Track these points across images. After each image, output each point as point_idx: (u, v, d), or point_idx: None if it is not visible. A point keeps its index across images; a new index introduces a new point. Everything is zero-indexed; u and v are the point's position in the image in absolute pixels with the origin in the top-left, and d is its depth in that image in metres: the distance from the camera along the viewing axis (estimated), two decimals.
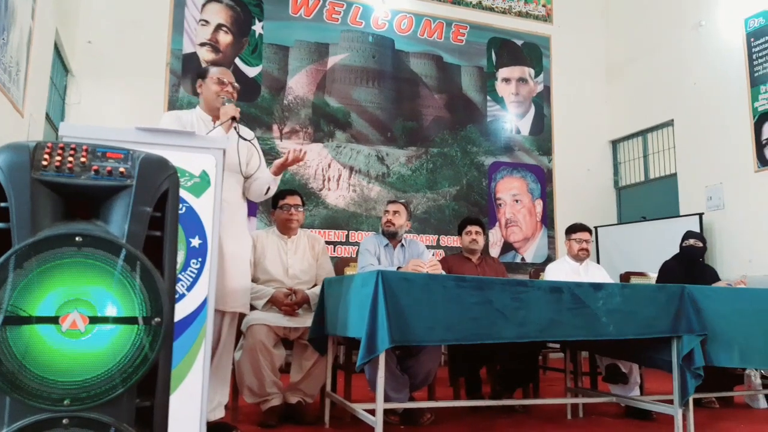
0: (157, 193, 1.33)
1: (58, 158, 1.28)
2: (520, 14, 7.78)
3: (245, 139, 2.71)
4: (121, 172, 1.31)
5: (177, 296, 1.73)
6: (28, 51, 3.97)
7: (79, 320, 1.21)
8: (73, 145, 1.32)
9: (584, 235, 4.06)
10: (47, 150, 1.28)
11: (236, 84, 2.90)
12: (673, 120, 7.06)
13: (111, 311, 1.23)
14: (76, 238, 1.21)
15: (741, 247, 6.06)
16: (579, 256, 4.02)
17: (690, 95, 6.79)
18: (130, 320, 1.24)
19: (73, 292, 1.21)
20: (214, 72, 2.87)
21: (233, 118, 2.66)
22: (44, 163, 1.26)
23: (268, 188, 2.92)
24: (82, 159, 1.31)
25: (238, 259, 2.82)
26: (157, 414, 1.30)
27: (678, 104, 6.97)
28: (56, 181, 1.26)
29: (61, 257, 1.20)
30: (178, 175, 1.41)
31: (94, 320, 1.22)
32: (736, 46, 6.31)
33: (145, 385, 1.27)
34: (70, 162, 1.29)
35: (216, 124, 2.68)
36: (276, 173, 2.91)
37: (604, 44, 8.17)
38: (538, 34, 7.83)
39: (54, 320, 1.19)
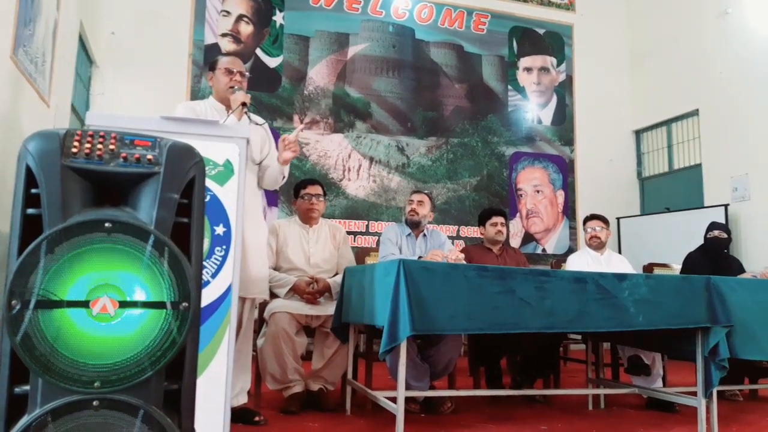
0: (185, 180, 1.35)
1: (88, 145, 1.30)
2: (542, 3, 7.69)
3: (257, 124, 2.76)
4: (149, 160, 1.32)
5: (203, 282, 1.75)
6: (54, 42, 4.01)
7: (109, 304, 1.23)
8: (102, 133, 1.34)
9: (594, 224, 4.06)
10: (77, 137, 1.30)
11: (246, 72, 2.94)
12: (698, 110, 6.93)
13: (140, 296, 1.25)
14: (106, 224, 1.23)
15: (766, 238, 5.95)
16: (591, 244, 4.06)
17: (716, 84, 6.66)
18: (159, 305, 1.26)
19: (102, 276, 1.23)
20: (223, 62, 2.92)
21: (243, 104, 2.70)
22: (74, 150, 1.28)
23: (283, 177, 2.93)
24: (111, 146, 1.33)
25: (257, 247, 2.86)
26: (184, 397, 1.32)
27: (703, 94, 6.83)
28: (86, 167, 1.28)
29: (91, 242, 1.22)
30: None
31: (123, 304, 1.24)
32: (764, 34, 6.16)
33: (172, 369, 1.29)
34: (100, 149, 1.31)
35: (229, 113, 2.72)
36: (283, 163, 2.85)
37: (628, 32, 8.04)
38: (560, 22, 7.73)
39: (85, 304, 1.22)
